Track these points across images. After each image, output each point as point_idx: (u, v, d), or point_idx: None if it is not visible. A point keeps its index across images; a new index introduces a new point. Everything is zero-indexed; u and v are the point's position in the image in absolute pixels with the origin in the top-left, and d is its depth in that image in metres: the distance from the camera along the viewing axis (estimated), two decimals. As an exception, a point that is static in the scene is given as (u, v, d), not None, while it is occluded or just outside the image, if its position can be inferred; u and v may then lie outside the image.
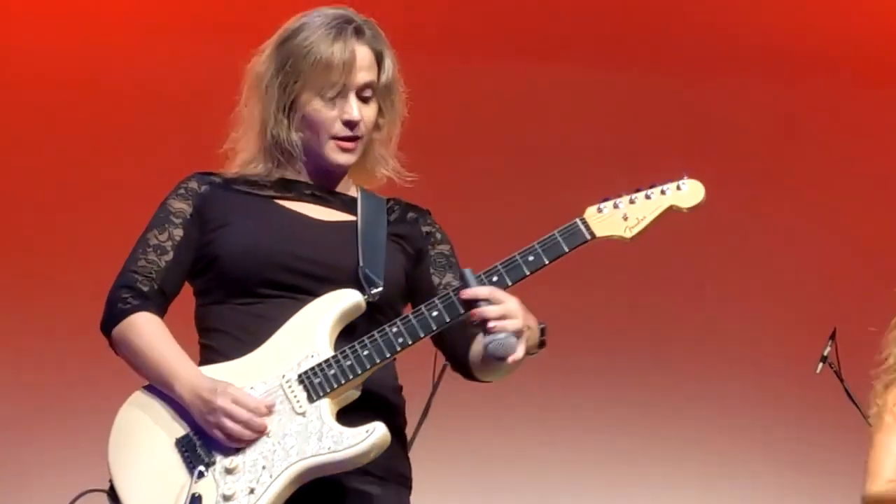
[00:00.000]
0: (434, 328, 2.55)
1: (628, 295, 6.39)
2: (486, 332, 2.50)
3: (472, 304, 2.54)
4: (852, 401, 5.37)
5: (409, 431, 2.87)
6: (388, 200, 2.81)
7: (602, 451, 6.47)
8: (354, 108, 2.65)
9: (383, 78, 2.69)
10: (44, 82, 6.31)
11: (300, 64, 2.63)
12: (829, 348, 5.48)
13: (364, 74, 2.65)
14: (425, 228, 2.81)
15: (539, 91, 6.52)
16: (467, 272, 2.57)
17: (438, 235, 2.81)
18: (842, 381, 5.45)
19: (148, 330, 2.62)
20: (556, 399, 6.28)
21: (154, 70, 6.28)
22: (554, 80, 6.49)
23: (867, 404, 5.28)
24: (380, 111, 2.72)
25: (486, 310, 2.49)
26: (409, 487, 2.70)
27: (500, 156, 6.44)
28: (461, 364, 2.72)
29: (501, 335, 2.48)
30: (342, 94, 2.65)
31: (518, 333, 2.49)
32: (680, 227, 2.83)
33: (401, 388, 2.73)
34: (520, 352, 2.50)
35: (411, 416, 2.87)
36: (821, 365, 5.48)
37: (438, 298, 2.57)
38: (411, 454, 2.78)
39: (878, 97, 6.54)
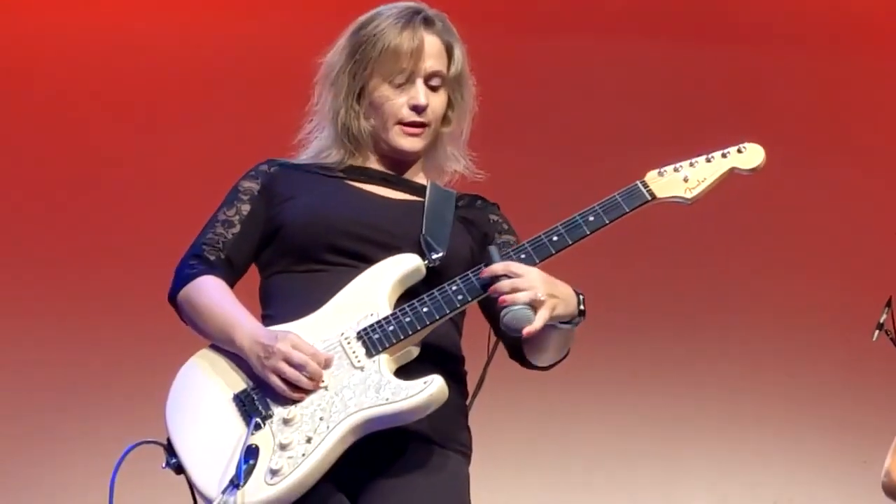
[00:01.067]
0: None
1: (684, 257, 6.41)
2: (500, 307, 2.52)
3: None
4: None
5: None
6: (460, 193, 2.85)
7: (655, 417, 6.48)
8: (421, 94, 2.71)
9: (453, 69, 2.75)
10: (102, 64, 6.49)
11: (370, 52, 2.70)
12: (885, 316, 5.35)
13: (432, 63, 2.71)
14: (493, 217, 2.85)
15: (591, 65, 6.56)
16: (492, 248, 2.61)
17: (505, 226, 2.85)
18: None
19: (211, 289, 2.69)
20: (604, 366, 6.27)
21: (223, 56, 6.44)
22: (606, 54, 6.54)
23: None
24: (449, 104, 2.78)
25: (497, 285, 2.52)
26: (468, 457, 2.74)
27: (554, 131, 6.46)
28: (514, 350, 2.76)
29: (515, 307, 2.49)
30: (410, 80, 2.71)
31: (535, 305, 2.49)
32: (731, 190, 2.82)
33: (463, 359, 2.77)
34: (537, 322, 2.49)
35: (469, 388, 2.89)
36: (877, 332, 5.35)
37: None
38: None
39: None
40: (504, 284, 2.51)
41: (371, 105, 2.75)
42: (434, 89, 2.75)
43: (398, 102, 2.73)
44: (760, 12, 6.55)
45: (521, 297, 2.49)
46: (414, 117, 2.74)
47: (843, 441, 6.35)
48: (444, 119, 2.80)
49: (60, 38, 6.55)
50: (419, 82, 2.72)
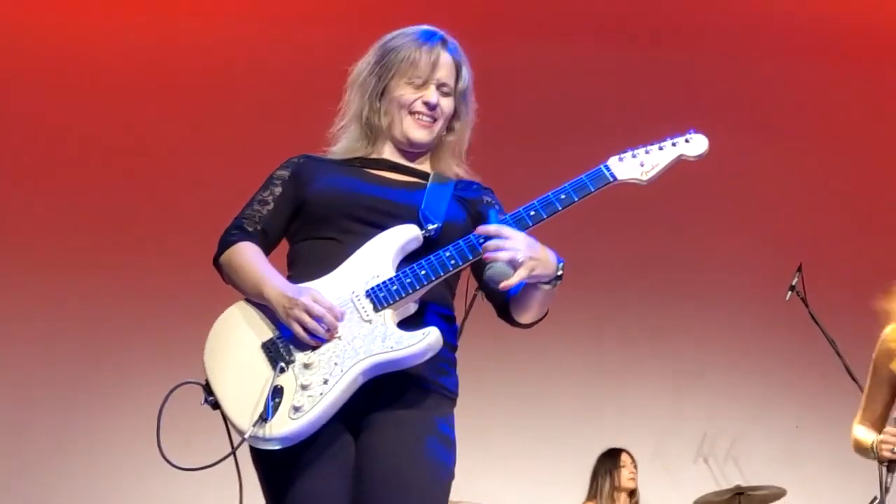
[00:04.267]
0: (480, 251, 2.77)
1: (638, 231, 6.86)
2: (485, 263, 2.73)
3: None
4: (816, 323, 6.02)
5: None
6: (457, 179, 3.08)
7: (611, 363, 7.06)
8: (433, 95, 2.97)
9: (460, 84, 3.02)
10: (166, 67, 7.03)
11: (393, 59, 2.97)
12: (796, 279, 6.06)
13: (444, 74, 2.98)
14: (486, 198, 3.05)
15: (559, 67, 7.01)
16: (492, 212, 2.87)
17: (497, 207, 3.02)
18: (807, 306, 6.07)
19: (247, 252, 2.92)
20: (576, 326, 6.71)
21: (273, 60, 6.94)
22: (576, 57, 6.98)
23: (829, 327, 5.97)
24: (455, 115, 3.05)
25: (488, 243, 2.73)
26: (453, 400, 2.93)
27: (536, 125, 6.94)
28: (502, 309, 2.96)
29: (496, 264, 2.69)
30: (425, 84, 2.97)
31: (514, 264, 2.69)
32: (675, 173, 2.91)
33: (454, 315, 2.98)
34: (513, 279, 2.69)
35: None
36: (789, 293, 6.07)
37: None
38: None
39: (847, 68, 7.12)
40: (491, 243, 2.71)
41: (391, 102, 2.99)
42: (445, 95, 3.00)
43: (413, 98, 2.97)
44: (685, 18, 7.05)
45: (503, 255, 2.69)
46: (426, 110, 2.98)
47: (762, 384, 6.92)
48: (449, 128, 3.05)
49: (114, 36, 7.03)
50: (432, 86, 2.97)
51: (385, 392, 2.77)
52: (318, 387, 2.70)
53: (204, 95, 7.06)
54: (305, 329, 2.73)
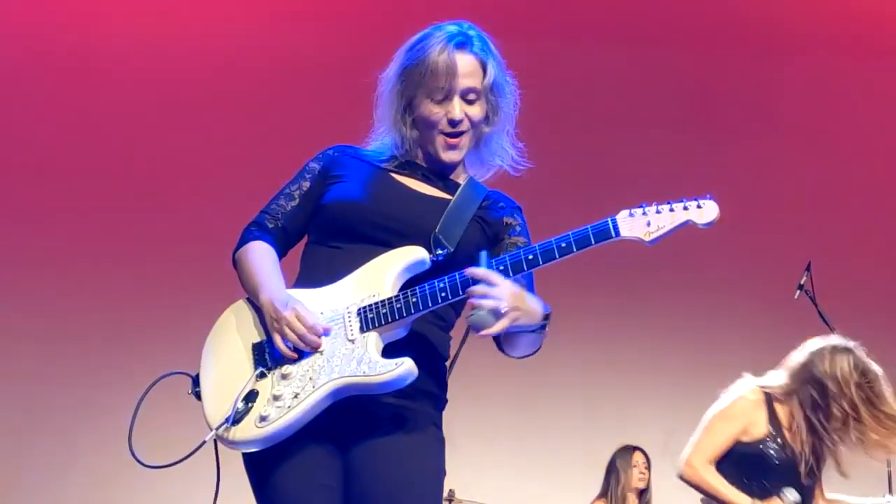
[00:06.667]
0: (466, 292, 2.72)
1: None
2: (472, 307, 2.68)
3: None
4: (824, 321, 5.91)
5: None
6: (489, 192, 3.03)
7: (613, 370, 7.12)
8: (457, 108, 2.89)
9: (486, 82, 2.92)
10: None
11: (413, 74, 2.91)
12: (805, 278, 6.00)
13: (466, 80, 2.89)
14: (508, 220, 2.99)
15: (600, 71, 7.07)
16: (483, 254, 2.76)
17: (518, 229, 2.98)
18: (815, 305, 6.02)
19: (257, 252, 2.91)
20: (585, 322, 6.73)
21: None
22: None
23: (837, 325, 5.95)
24: (491, 109, 2.97)
25: (473, 288, 2.68)
26: (436, 402, 2.90)
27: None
28: (496, 341, 2.89)
29: (480, 311, 2.64)
30: (448, 97, 2.89)
31: (498, 312, 2.65)
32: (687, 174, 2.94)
33: (448, 344, 2.97)
34: (492, 329, 2.65)
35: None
36: (798, 292, 6.02)
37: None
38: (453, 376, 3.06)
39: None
40: (478, 289, 2.67)
41: (417, 118, 2.93)
42: (471, 102, 2.92)
43: (438, 115, 2.90)
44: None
45: (487, 303, 2.65)
46: (451, 129, 2.92)
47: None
48: (486, 122, 2.97)
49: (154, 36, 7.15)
50: (456, 98, 2.89)
51: (373, 407, 2.77)
52: (288, 400, 2.71)
53: (209, 92, 7.14)
54: (284, 342, 2.75)
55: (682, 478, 4.50)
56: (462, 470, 2.89)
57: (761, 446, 4.45)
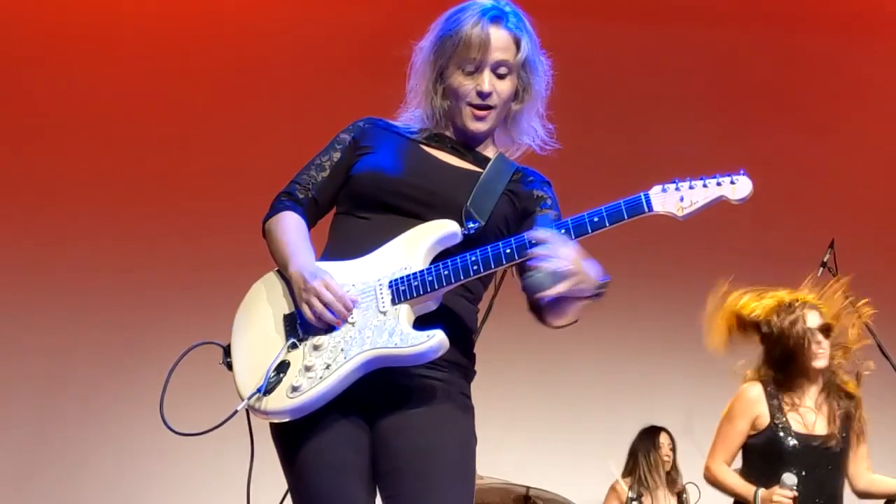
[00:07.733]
0: (504, 262, 2.75)
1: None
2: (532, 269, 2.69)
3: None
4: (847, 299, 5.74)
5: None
6: (519, 167, 3.04)
7: (631, 348, 7.18)
8: (487, 81, 2.92)
9: (519, 58, 2.94)
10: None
11: (447, 45, 2.93)
12: (828, 255, 5.93)
13: (499, 54, 2.91)
14: (539, 193, 3.00)
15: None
16: (540, 218, 2.81)
17: (549, 202, 2.99)
18: (838, 281, 5.74)
19: (287, 223, 2.93)
20: (607, 303, 6.66)
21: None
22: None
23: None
24: (521, 86, 2.99)
25: (536, 250, 2.68)
26: (465, 373, 2.91)
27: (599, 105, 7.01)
28: (534, 305, 2.89)
29: (539, 273, 2.65)
30: (479, 69, 2.92)
31: (558, 275, 2.65)
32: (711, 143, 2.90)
33: (477, 310, 2.98)
34: (552, 290, 2.66)
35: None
36: (821, 269, 5.89)
37: (514, 238, 2.77)
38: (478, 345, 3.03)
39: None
40: (539, 250, 2.66)
41: (447, 89, 2.95)
42: (501, 77, 2.94)
43: (468, 87, 2.92)
44: None
45: (549, 265, 2.65)
46: (480, 101, 2.94)
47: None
48: (515, 98, 2.99)
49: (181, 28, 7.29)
50: (486, 71, 2.91)
51: (402, 380, 2.79)
52: (321, 370, 2.73)
53: (228, 66, 7.21)
54: (313, 313, 2.76)
55: (706, 482, 4.77)
56: (482, 448, 2.85)
57: (771, 435, 4.59)
